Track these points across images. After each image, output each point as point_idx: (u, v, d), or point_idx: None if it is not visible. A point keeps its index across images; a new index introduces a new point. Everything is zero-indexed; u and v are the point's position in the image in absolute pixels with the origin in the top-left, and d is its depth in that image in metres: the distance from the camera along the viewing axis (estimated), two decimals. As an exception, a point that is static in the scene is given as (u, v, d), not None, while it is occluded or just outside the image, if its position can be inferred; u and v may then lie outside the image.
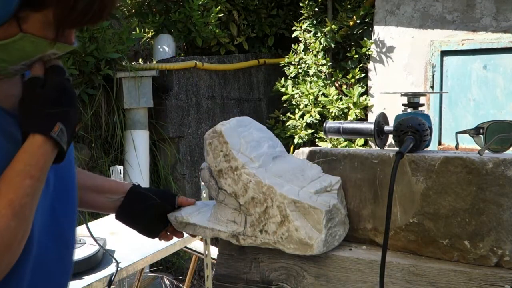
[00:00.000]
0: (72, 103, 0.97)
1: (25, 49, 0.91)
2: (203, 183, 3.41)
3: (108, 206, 1.25)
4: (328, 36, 4.64)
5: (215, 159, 1.15)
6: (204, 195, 2.71)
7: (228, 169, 1.13)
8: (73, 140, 0.98)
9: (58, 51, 0.96)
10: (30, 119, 0.93)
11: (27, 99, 0.94)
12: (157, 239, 1.30)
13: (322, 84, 4.64)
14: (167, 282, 3.74)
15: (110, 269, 1.93)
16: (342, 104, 4.46)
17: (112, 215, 1.28)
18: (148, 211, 1.24)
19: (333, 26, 4.60)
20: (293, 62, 4.80)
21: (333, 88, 4.62)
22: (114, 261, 1.92)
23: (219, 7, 4.74)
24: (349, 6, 4.77)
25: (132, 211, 1.24)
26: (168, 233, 1.29)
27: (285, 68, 4.87)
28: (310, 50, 4.74)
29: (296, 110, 4.71)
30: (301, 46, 4.79)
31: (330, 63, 4.71)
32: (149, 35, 4.91)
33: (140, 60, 5.05)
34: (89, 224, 1.76)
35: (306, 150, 1.35)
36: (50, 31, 0.91)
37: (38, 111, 0.93)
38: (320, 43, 4.67)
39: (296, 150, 1.38)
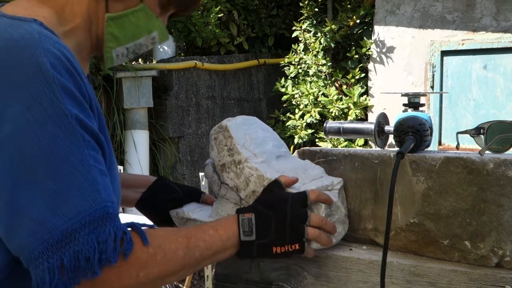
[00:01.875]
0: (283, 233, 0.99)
1: (139, 23, 0.99)
2: (203, 183, 3.41)
3: (135, 199, 1.27)
4: (328, 36, 4.63)
5: (219, 154, 1.16)
6: (204, 195, 2.70)
7: (231, 163, 1.14)
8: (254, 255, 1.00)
9: (159, 38, 1.03)
10: (250, 205, 1.04)
11: (277, 198, 1.02)
12: None
13: (322, 84, 4.64)
14: (167, 282, 3.73)
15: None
16: (342, 104, 4.46)
17: None
18: (169, 202, 1.25)
19: (333, 26, 4.59)
20: (293, 62, 4.80)
21: (333, 88, 4.62)
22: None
23: (219, 7, 4.74)
24: (349, 6, 4.77)
25: (155, 200, 1.26)
26: None
27: (285, 68, 4.87)
28: (310, 50, 4.74)
29: (296, 110, 4.71)
30: (301, 46, 4.79)
31: (330, 63, 4.71)
32: (149, 35, 4.90)
33: (140, 60, 5.05)
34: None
35: (307, 150, 1.35)
36: (157, 10, 1.01)
37: (264, 201, 1.02)
38: (320, 43, 4.66)
39: (297, 150, 1.38)
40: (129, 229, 0.87)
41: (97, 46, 1.01)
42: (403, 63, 4.33)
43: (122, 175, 1.31)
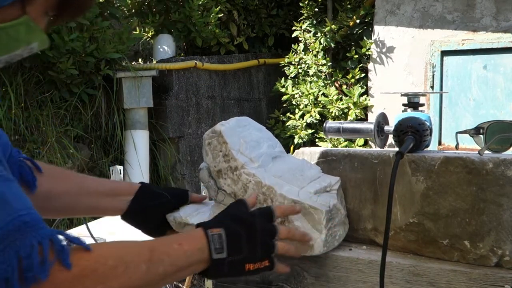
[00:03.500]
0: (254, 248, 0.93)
1: (18, 37, 0.85)
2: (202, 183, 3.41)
3: (122, 207, 1.20)
4: (328, 36, 4.63)
5: (214, 159, 1.15)
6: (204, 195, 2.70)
7: (228, 169, 1.13)
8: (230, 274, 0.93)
9: (38, 46, 0.90)
10: (214, 219, 0.97)
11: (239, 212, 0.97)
12: None
13: (322, 84, 4.64)
14: (167, 282, 3.73)
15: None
16: (342, 104, 4.46)
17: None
18: (159, 208, 1.20)
19: (333, 26, 4.60)
20: (293, 62, 4.80)
21: (333, 88, 4.62)
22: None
23: (219, 7, 4.74)
24: (349, 6, 4.77)
25: (142, 209, 1.19)
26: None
27: (285, 68, 4.87)
28: (310, 50, 4.74)
29: (296, 110, 4.71)
30: (301, 46, 4.79)
31: (330, 63, 4.71)
32: (149, 35, 4.90)
33: (140, 60, 5.05)
34: (88, 224, 1.75)
35: (307, 150, 1.35)
36: (43, 20, 0.88)
37: (224, 215, 0.97)
38: (320, 43, 4.66)
39: (296, 150, 1.38)
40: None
41: None
42: (403, 63, 4.33)
43: (107, 182, 1.26)
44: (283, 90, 4.77)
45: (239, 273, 0.93)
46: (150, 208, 1.19)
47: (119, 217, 1.23)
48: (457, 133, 1.27)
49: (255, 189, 1.10)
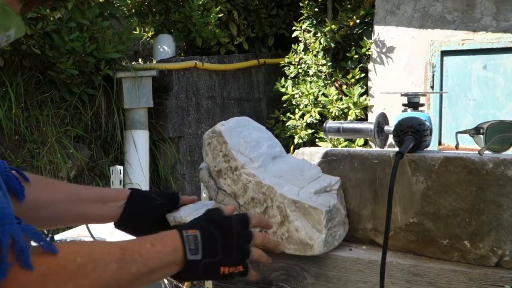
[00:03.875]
0: (225, 253, 0.92)
1: None
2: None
3: (112, 214, 1.18)
4: (328, 36, 4.64)
5: (214, 159, 1.15)
6: (204, 195, 2.71)
7: (228, 169, 1.13)
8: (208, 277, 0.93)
9: (15, 34, 0.87)
10: (191, 222, 0.96)
11: (215, 217, 0.96)
12: None
13: (322, 84, 4.64)
14: (167, 282, 3.73)
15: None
16: (342, 104, 4.46)
17: None
18: (153, 212, 1.19)
19: (333, 26, 4.60)
20: (293, 62, 4.80)
21: (333, 88, 4.62)
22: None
23: (219, 7, 4.74)
24: (349, 6, 4.77)
25: (136, 214, 1.18)
26: None
27: (285, 68, 4.87)
28: (310, 50, 4.74)
29: (296, 110, 4.71)
30: (301, 46, 4.79)
31: (330, 63, 4.71)
32: (149, 35, 4.90)
33: (140, 60, 5.05)
34: (88, 224, 1.75)
35: (307, 150, 1.35)
36: (18, 5, 0.86)
37: (201, 220, 0.95)
38: (320, 43, 4.66)
39: (296, 150, 1.38)
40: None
41: None
42: (403, 63, 4.33)
43: (96, 189, 1.25)
44: (283, 90, 4.77)
45: (213, 276, 0.92)
46: (144, 212, 1.18)
47: None
48: (457, 133, 1.27)
49: (255, 189, 1.10)
